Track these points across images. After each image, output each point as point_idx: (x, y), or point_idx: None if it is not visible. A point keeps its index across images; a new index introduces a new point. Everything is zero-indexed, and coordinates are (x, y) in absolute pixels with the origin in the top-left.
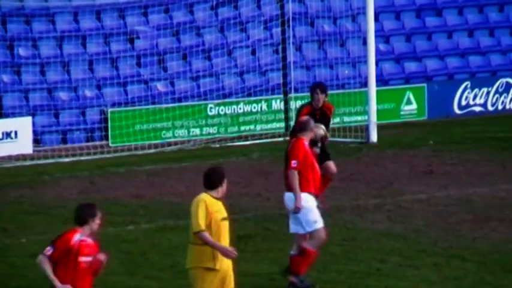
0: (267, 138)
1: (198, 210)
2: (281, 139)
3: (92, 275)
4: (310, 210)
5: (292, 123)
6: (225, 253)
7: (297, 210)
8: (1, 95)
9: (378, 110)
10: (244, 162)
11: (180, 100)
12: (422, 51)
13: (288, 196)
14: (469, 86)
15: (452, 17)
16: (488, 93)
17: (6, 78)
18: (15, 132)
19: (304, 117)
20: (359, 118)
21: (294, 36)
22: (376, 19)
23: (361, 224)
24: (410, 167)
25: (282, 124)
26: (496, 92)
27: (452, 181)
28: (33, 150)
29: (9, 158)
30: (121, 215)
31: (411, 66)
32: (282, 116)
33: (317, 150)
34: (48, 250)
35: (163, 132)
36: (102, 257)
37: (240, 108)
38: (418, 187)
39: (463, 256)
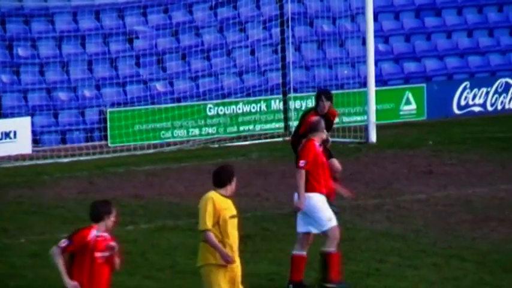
0: (266, 138)
1: (205, 209)
2: (280, 139)
3: (109, 271)
4: (321, 210)
5: (291, 123)
6: (224, 258)
7: (297, 209)
8: (0, 95)
9: (377, 110)
10: (243, 163)
11: (179, 100)
12: (421, 51)
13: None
14: (468, 86)
15: (452, 17)
16: (487, 93)
17: (5, 78)
18: (14, 132)
19: (315, 118)
20: (358, 118)
21: (293, 36)
22: (375, 19)
23: (361, 224)
24: (409, 167)
25: (281, 124)
26: (496, 92)
27: (451, 181)
28: (32, 150)
29: (9, 158)
30: (120, 215)
31: (410, 66)
32: (281, 116)
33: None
34: (64, 242)
35: (163, 132)
36: (113, 244)
37: (239, 109)
38: (417, 187)
39: (462, 256)
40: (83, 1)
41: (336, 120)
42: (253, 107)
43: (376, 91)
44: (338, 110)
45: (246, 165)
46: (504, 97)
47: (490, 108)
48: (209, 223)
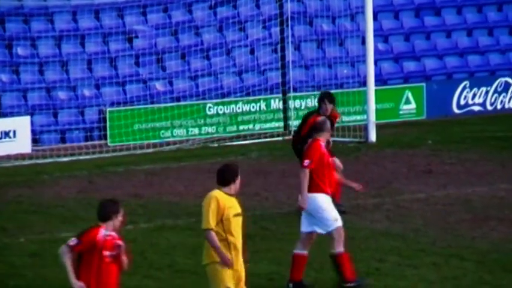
0: (265, 137)
1: (209, 208)
2: (280, 138)
3: (117, 271)
4: (327, 210)
5: (290, 122)
6: (223, 260)
7: (300, 209)
8: (0, 94)
9: (376, 110)
10: (242, 162)
11: (178, 99)
12: (421, 51)
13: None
14: (468, 85)
15: (451, 17)
16: (487, 92)
17: (4, 77)
18: (14, 132)
19: (321, 118)
20: (358, 117)
21: (292, 35)
22: (375, 18)
23: (360, 224)
24: (409, 166)
25: (281, 123)
26: (495, 91)
27: (451, 180)
28: (32, 150)
29: (8, 157)
30: None
31: (410, 66)
32: (281, 115)
33: None
34: (73, 241)
35: (162, 131)
36: (121, 242)
37: (239, 108)
38: (417, 186)
39: (462, 255)
40: (83, 0)
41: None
42: (253, 107)
43: (376, 90)
44: (339, 112)
45: (246, 165)
46: (504, 96)
47: (489, 108)
48: (212, 222)
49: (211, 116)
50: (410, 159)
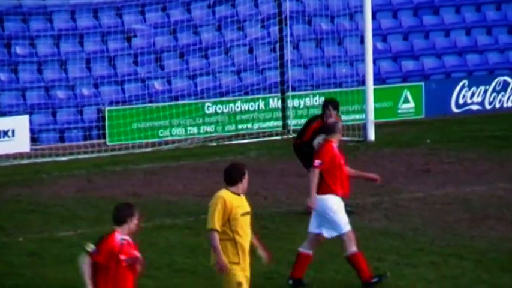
0: (264, 136)
1: (215, 208)
2: (278, 138)
3: (133, 274)
4: (337, 212)
5: (289, 121)
6: (219, 264)
7: (308, 209)
8: None
9: (375, 109)
10: (241, 161)
11: (177, 98)
12: (419, 50)
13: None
14: (466, 84)
15: (450, 16)
16: (485, 91)
17: (3, 76)
18: (13, 131)
19: (332, 120)
20: (356, 116)
21: (291, 34)
22: (374, 17)
23: (359, 223)
24: (407, 165)
25: (280, 123)
26: (494, 90)
27: (449, 179)
28: (31, 149)
29: (7, 156)
30: None
31: (409, 65)
32: (280, 114)
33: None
34: (91, 249)
35: (161, 130)
36: (139, 255)
37: (238, 107)
38: (415, 186)
39: (460, 254)
40: None
41: None
42: (252, 106)
43: (374, 89)
44: (341, 118)
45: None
46: (502, 95)
47: (488, 107)
48: (217, 223)
49: (210, 115)
50: (408, 158)
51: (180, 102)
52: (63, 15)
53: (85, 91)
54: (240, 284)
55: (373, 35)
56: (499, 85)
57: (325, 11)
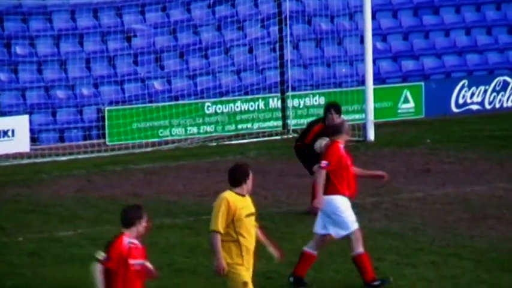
0: (264, 136)
1: (218, 210)
2: (278, 137)
3: (141, 279)
4: (345, 212)
5: (289, 121)
6: (216, 266)
7: (316, 210)
8: None
9: (375, 109)
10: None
11: (177, 98)
12: (419, 50)
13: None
14: (466, 84)
15: (450, 15)
16: (485, 91)
17: (3, 76)
18: (12, 131)
19: (338, 120)
20: (356, 116)
21: (291, 34)
22: (374, 17)
23: (359, 223)
24: (407, 165)
25: (279, 122)
26: (494, 90)
27: (449, 179)
28: (30, 149)
29: (6, 156)
30: (118, 213)
31: (408, 65)
32: (279, 114)
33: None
34: (102, 257)
35: (160, 130)
36: (150, 266)
37: (237, 107)
38: (415, 185)
39: (460, 254)
40: None
41: None
42: (251, 105)
43: (374, 89)
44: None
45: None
46: (502, 95)
47: (488, 107)
48: (220, 225)
49: (210, 115)
50: (408, 158)
51: (180, 102)
52: (63, 15)
53: (85, 91)
54: (246, 284)
55: (373, 35)
56: (498, 85)
57: (325, 10)
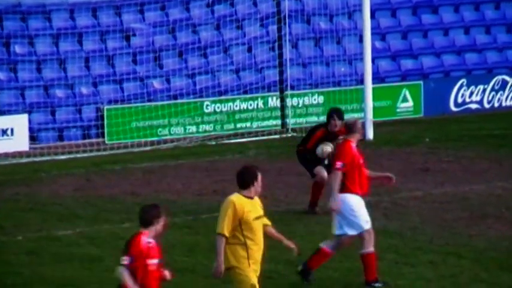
0: (263, 135)
1: (225, 213)
2: (277, 136)
3: (158, 279)
4: (358, 211)
5: (288, 120)
6: (215, 268)
7: (332, 211)
8: None
9: (374, 107)
10: (240, 160)
11: (176, 97)
12: (418, 49)
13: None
14: (465, 83)
15: (449, 15)
16: (484, 90)
17: (2, 75)
18: (12, 130)
19: (351, 119)
20: (355, 115)
21: (290, 33)
22: (372, 16)
23: None
24: (406, 164)
25: (278, 121)
26: (492, 89)
27: (448, 178)
28: (30, 148)
29: (6, 155)
30: (117, 212)
31: (407, 64)
32: (278, 113)
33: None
34: (126, 260)
35: (159, 129)
36: (168, 274)
37: (236, 106)
38: (414, 184)
39: (459, 253)
40: None
41: None
42: (250, 104)
43: (373, 88)
44: None
45: (243, 163)
46: (501, 94)
47: (486, 106)
48: (226, 229)
49: (209, 114)
50: (407, 157)
51: (179, 101)
52: (62, 14)
53: (84, 90)
54: (253, 286)
55: (372, 34)
56: (497, 84)
57: (324, 10)
